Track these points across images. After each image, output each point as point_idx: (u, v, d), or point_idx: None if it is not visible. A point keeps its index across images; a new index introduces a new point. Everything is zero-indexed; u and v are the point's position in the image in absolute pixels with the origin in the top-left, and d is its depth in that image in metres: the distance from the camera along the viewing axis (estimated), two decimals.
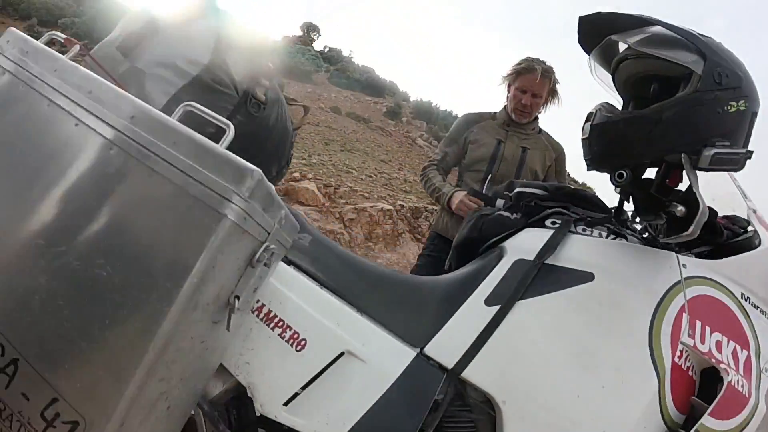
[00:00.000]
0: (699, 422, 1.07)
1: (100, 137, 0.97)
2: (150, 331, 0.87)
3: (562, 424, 1.11)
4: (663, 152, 1.20)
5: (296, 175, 9.70)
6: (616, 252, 1.25)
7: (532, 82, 2.55)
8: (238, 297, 0.99)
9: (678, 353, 1.13)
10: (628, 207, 1.37)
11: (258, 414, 1.15)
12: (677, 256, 1.23)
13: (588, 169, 1.29)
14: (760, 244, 1.30)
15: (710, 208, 1.21)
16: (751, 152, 1.15)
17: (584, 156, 1.29)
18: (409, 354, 1.21)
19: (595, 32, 1.29)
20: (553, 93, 2.63)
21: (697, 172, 1.16)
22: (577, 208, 1.37)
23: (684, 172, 1.19)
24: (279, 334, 1.21)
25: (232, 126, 0.97)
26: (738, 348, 1.18)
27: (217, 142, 0.95)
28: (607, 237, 1.29)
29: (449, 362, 1.18)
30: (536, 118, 2.68)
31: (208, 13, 1.45)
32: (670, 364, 1.12)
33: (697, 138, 1.15)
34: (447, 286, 1.31)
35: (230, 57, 1.39)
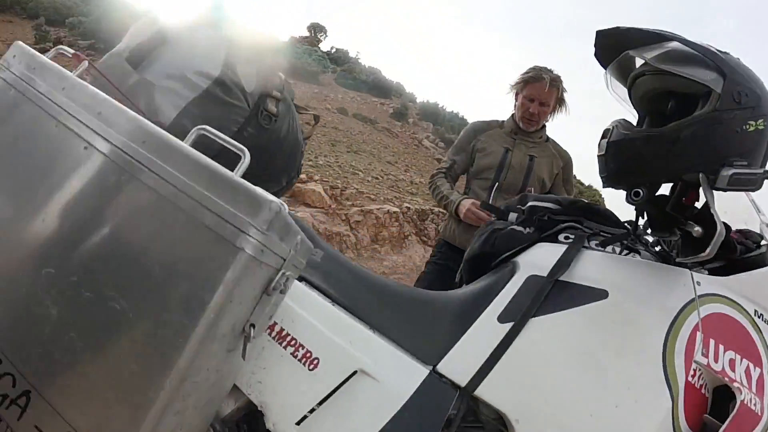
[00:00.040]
0: None
1: (110, 162, 0.94)
2: (166, 367, 0.86)
3: None
4: (681, 171, 1.19)
5: (302, 176, 9.68)
6: (629, 269, 1.24)
7: (540, 91, 2.56)
8: (253, 325, 0.97)
9: (692, 372, 1.12)
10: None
11: None
12: (691, 274, 1.22)
13: (604, 186, 1.28)
14: None
15: (724, 223, 1.19)
16: None
17: (600, 173, 1.27)
18: (422, 372, 1.20)
19: (613, 46, 1.29)
20: (560, 101, 2.64)
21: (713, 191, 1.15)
22: (590, 222, 1.37)
23: (701, 190, 1.19)
24: (291, 353, 1.20)
25: (247, 152, 0.94)
26: (751, 366, 1.17)
27: (232, 167, 0.93)
28: (620, 252, 1.28)
29: (462, 380, 1.17)
30: (543, 126, 2.69)
31: (217, 22, 1.43)
32: (684, 382, 1.11)
33: (715, 157, 1.14)
34: (460, 302, 1.30)
35: (241, 68, 1.38)
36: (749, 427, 1.10)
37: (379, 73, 26.13)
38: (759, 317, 1.23)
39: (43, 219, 0.95)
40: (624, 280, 1.22)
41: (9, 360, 0.89)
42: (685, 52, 1.18)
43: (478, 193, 2.61)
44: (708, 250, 1.11)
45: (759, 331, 1.22)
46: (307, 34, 25.13)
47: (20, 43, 1.15)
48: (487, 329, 1.21)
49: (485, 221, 2.28)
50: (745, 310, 1.23)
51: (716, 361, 1.14)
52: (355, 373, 1.19)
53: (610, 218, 1.40)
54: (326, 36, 25.84)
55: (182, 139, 1.26)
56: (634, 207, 1.30)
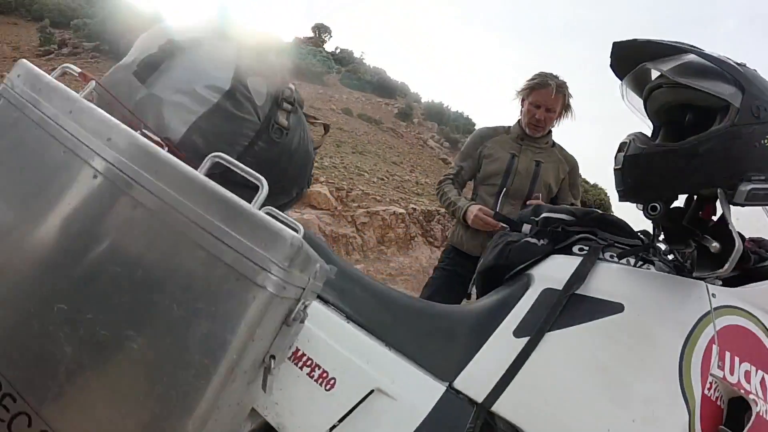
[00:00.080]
0: None
1: (121, 193, 0.90)
2: (189, 409, 0.83)
3: None
4: (698, 186, 1.19)
5: None
6: (645, 282, 1.23)
7: (546, 97, 2.58)
8: (273, 357, 0.95)
9: (708, 385, 1.12)
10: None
11: None
12: (706, 286, 1.22)
13: (620, 200, 1.28)
14: None
15: (738, 233, 1.19)
16: None
17: (616, 187, 1.27)
18: (438, 389, 1.20)
19: (629, 58, 1.29)
20: (566, 107, 2.66)
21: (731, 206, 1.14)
22: (604, 233, 1.36)
23: (717, 203, 1.18)
24: (308, 374, 1.20)
25: (265, 183, 0.91)
26: (766, 377, 1.16)
27: (249, 199, 0.89)
28: (635, 264, 1.27)
29: (479, 396, 1.17)
30: (550, 131, 2.71)
31: (225, 33, 1.41)
32: (700, 396, 1.11)
33: (733, 172, 1.13)
34: (475, 316, 1.30)
35: (251, 81, 1.36)
36: None
37: (383, 73, 26.11)
38: None
39: (54, 252, 0.92)
40: (640, 294, 1.21)
41: (23, 398, 0.87)
42: (703, 65, 1.17)
43: (485, 199, 2.63)
44: (726, 266, 1.11)
45: None
46: (311, 34, 25.12)
47: (25, 61, 1.12)
48: (502, 344, 1.20)
49: (493, 227, 2.37)
50: (760, 321, 1.22)
51: (732, 373, 1.14)
52: (372, 392, 1.18)
53: (623, 228, 1.40)
54: (330, 37, 25.84)
55: (193, 155, 1.23)
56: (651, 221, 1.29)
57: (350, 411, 1.16)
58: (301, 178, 1.56)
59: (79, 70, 1.16)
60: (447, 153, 19.62)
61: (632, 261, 1.27)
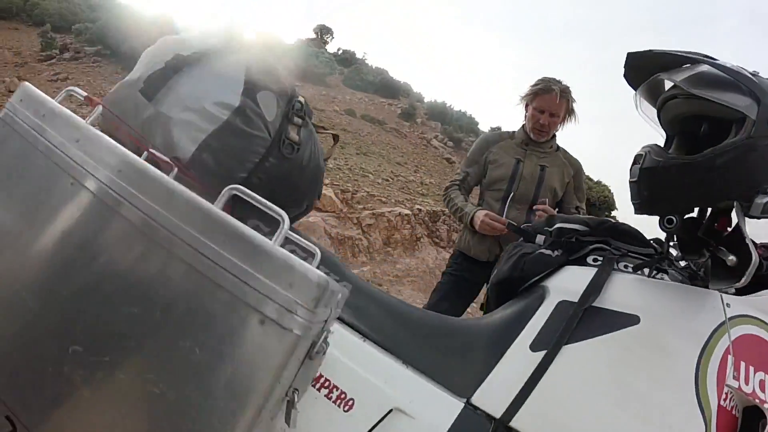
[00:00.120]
0: None
1: (135, 229, 0.87)
2: None
3: None
4: (715, 199, 1.19)
5: None
6: (660, 293, 1.23)
7: (550, 103, 2.60)
8: (297, 390, 0.92)
9: (724, 396, 1.12)
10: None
11: None
12: (721, 296, 1.21)
13: (636, 213, 1.28)
14: None
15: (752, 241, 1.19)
16: None
17: (632, 200, 1.27)
18: (456, 405, 1.19)
19: (642, 68, 1.28)
20: (569, 112, 2.68)
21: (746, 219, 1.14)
22: (617, 243, 1.36)
23: (732, 214, 1.18)
24: (326, 395, 1.19)
25: (286, 217, 0.88)
26: None
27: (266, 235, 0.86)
28: (649, 274, 1.27)
29: (497, 411, 1.16)
30: (554, 136, 2.73)
31: (232, 45, 1.38)
32: (716, 407, 1.11)
33: (749, 185, 1.13)
34: (490, 330, 1.29)
35: (261, 97, 1.33)
36: None
37: (386, 73, 26.14)
38: None
39: (70, 294, 0.87)
40: (655, 305, 1.21)
41: None
42: (717, 76, 1.16)
43: (491, 204, 2.65)
44: (743, 280, 1.11)
45: None
46: (313, 36, 25.09)
47: (27, 85, 1.07)
48: (519, 358, 1.20)
49: (499, 231, 2.41)
50: None
51: (747, 383, 1.14)
52: (390, 411, 1.18)
53: (637, 237, 1.39)
54: (333, 38, 25.84)
55: (203, 174, 1.25)
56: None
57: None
58: (312, 191, 1.54)
59: (85, 93, 1.11)
60: (451, 152, 19.63)
61: (646, 271, 1.27)
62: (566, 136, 2.74)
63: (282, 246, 0.85)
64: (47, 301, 0.88)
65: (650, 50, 1.24)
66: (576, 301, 1.21)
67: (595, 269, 1.26)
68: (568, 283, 1.28)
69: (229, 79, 1.31)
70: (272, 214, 0.88)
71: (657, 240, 1.38)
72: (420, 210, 11.52)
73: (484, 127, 23.17)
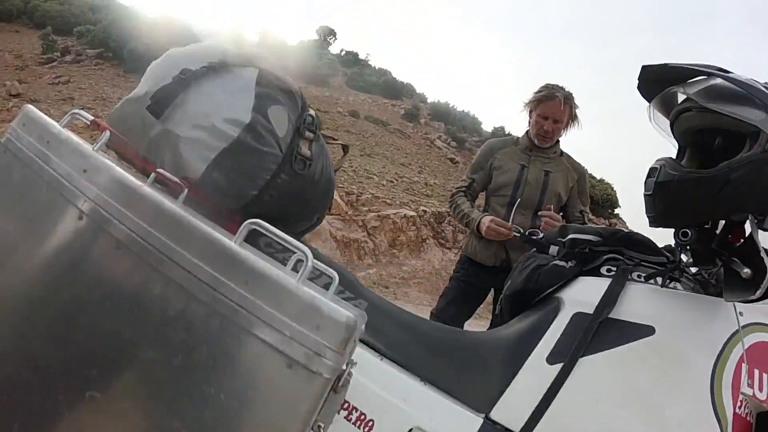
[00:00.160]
0: None
1: (152, 269, 0.81)
2: None
3: None
4: (730, 212, 1.20)
5: None
6: (674, 303, 1.24)
7: (554, 109, 2.65)
8: (321, 426, 0.87)
9: (739, 403, 1.13)
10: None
11: None
12: (734, 304, 1.21)
13: (651, 226, 1.29)
14: None
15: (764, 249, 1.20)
16: None
17: (647, 212, 1.28)
18: (476, 421, 1.20)
19: (656, 81, 1.29)
20: (573, 117, 2.73)
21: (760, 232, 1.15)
22: (631, 252, 1.36)
23: (746, 225, 1.20)
24: (345, 417, 1.18)
25: (309, 254, 0.83)
26: None
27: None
28: (662, 284, 1.27)
29: (515, 426, 1.17)
30: (557, 141, 2.78)
31: (242, 58, 1.34)
32: (732, 414, 1.12)
33: (764, 199, 1.14)
34: (506, 343, 1.30)
35: (272, 112, 1.29)
36: None
37: (389, 74, 26.20)
38: None
39: (88, 339, 0.83)
40: (669, 315, 1.22)
41: None
42: (730, 89, 1.17)
43: (496, 210, 2.69)
44: (759, 293, 1.12)
45: None
46: (316, 37, 25.05)
47: (30, 108, 1.01)
48: (536, 372, 1.21)
49: (505, 236, 2.45)
50: None
51: (761, 390, 1.14)
52: (411, 430, 1.18)
53: (649, 247, 1.40)
54: (335, 39, 25.77)
55: (214, 192, 1.23)
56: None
57: None
58: (323, 204, 1.53)
59: (91, 117, 1.06)
60: (454, 152, 19.62)
61: (659, 280, 1.28)
62: (569, 135, 2.86)
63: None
64: (67, 350, 0.84)
65: (665, 64, 1.25)
66: (591, 312, 1.22)
67: (609, 280, 1.27)
68: (583, 294, 1.28)
69: (239, 93, 1.28)
70: (294, 250, 0.84)
71: (668, 247, 1.39)
72: (425, 211, 11.53)
73: (488, 126, 23.23)
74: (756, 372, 1.15)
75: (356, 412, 1.18)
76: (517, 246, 2.52)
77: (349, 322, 0.80)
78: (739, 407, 1.12)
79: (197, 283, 0.79)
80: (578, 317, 1.24)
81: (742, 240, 1.23)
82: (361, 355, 1.21)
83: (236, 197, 1.28)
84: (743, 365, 1.14)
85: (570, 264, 1.35)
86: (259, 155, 1.26)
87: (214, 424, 0.78)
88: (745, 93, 1.15)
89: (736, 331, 1.17)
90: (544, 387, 1.17)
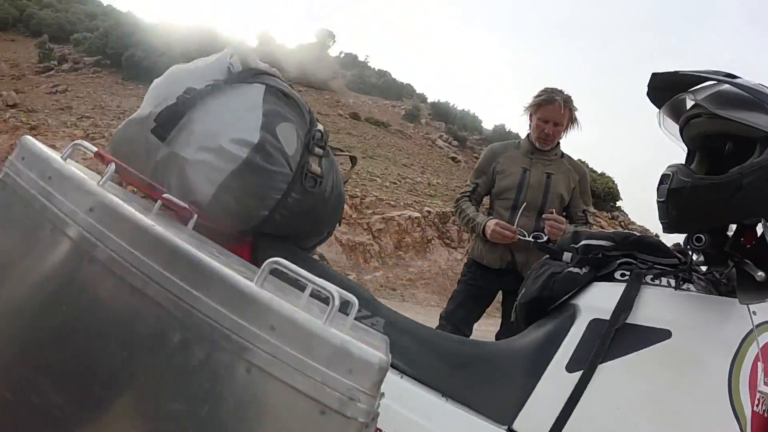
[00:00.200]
0: None
1: (168, 315, 0.77)
2: None
3: None
4: (742, 217, 1.22)
5: None
6: (688, 305, 1.25)
7: (554, 113, 2.70)
8: None
9: (756, 401, 1.14)
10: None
11: None
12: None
13: (664, 232, 1.31)
14: None
15: None
16: None
17: (660, 219, 1.30)
18: None
19: (665, 87, 1.31)
20: (572, 120, 2.80)
21: None
22: (643, 255, 1.38)
23: (758, 228, 1.21)
24: None
25: (336, 295, 0.79)
26: None
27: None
28: (676, 286, 1.28)
29: None
30: (558, 143, 2.84)
31: (248, 74, 1.30)
32: (750, 413, 1.13)
33: None
34: (525, 353, 1.31)
35: (281, 130, 1.26)
36: None
37: (388, 75, 26.25)
38: None
39: (101, 384, 0.79)
40: (685, 318, 1.23)
41: None
42: (739, 95, 1.19)
43: (500, 213, 2.74)
44: None
45: None
46: (315, 40, 25.00)
47: (28, 140, 0.94)
48: (556, 381, 1.22)
49: (510, 239, 2.52)
50: None
51: None
52: None
53: (661, 249, 1.41)
54: (335, 41, 25.72)
55: (223, 215, 1.20)
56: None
57: None
58: (334, 219, 1.52)
59: (95, 148, 1.00)
60: (456, 151, 19.59)
61: (672, 282, 1.29)
62: (570, 134, 2.90)
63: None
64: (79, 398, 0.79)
65: (675, 72, 1.27)
66: (607, 318, 1.24)
67: (623, 284, 1.28)
68: (599, 300, 1.29)
69: (246, 112, 1.24)
70: (323, 292, 0.81)
71: (679, 248, 1.40)
72: (429, 212, 11.51)
73: (488, 125, 23.26)
74: None
75: None
76: (522, 248, 2.59)
77: (382, 363, 0.78)
78: (757, 405, 1.13)
79: (220, 329, 0.76)
80: (595, 323, 1.25)
81: (754, 241, 1.24)
82: None
83: (246, 219, 1.26)
84: (759, 364, 1.15)
85: (584, 270, 1.36)
86: (268, 175, 1.23)
87: None
88: (753, 98, 1.17)
89: (751, 331, 1.18)
90: (565, 396, 1.19)
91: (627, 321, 1.22)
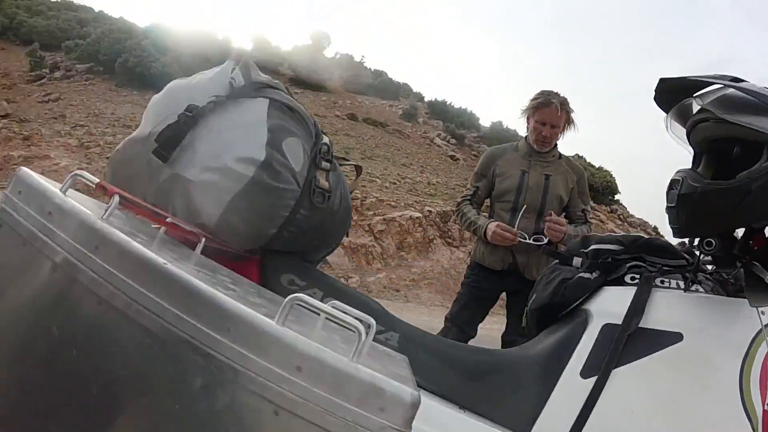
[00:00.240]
0: None
1: (189, 360, 0.74)
2: None
3: None
4: (752, 221, 1.23)
5: None
6: (698, 307, 1.27)
7: (551, 115, 2.77)
8: None
9: (767, 400, 1.15)
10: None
11: None
12: None
13: (675, 236, 1.33)
14: None
15: None
16: None
17: (670, 224, 1.31)
18: None
19: (672, 92, 1.33)
20: (569, 121, 2.86)
21: None
22: (651, 257, 1.39)
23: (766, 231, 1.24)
24: None
25: (362, 330, 0.77)
26: None
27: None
28: (685, 288, 1.30)
29: None
30: (555, 145, 2.90)
31: (250, 91, 1.27)
32: (761, 411, 1.14)
33: None
34: (539, 360, 1.32)
35: (287, 145, 1.23)
36: None
37: (385, 75, 26.28)
38: None
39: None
40: (695, 320, 1.25)
41: None
42: (745, 99, 1.20)
43: (501, 215, 2.81)
44: None
45: None
46: (310, 42, 24.91)
47: (25, 172, 0.90)
48: (572, 387, 1.24)
49: (510, 241, 2.60)
50: None
51: None
52: None
53: (669, 251, 1.43)
54: (330, 43, 25.65)
55: (231, 236, 1.19)
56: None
57: None
58: (342, 231, 1.51)
59: (96, 179, 0.92)
60: (454, 150, 19.54)
61: (681, 284, 1.31)
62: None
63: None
64: None
65: (683, 77, 1.29)
66: (619, 322, 1.25)
67: (634, 288, 1.30)
68: (610, 305, 1.31)
69: (250, 129, 1.21)
70: (347, 327, 0.79)
71: (687, 249, 1.42)
72: (430, 211, 11.47)
73: (485, 122, 23.25)
74: None
75: None
76: (522, 249, 2.66)
77: (414, 399, 0.78)
78: None
79: (244, 373, 0.73)
80: (607, 328, 1.26)
81: (763, 244, 1.26)
82: None
83: (255, 238, 1.24)
84: None
85: (594, 275, 1.38)
86: (276, 194, 1.21)
87: None
88: (759, 102, 1.18)
89: (760, 331, 1.19)
90: (581, 402, 1.20)
91: (640, 325, 1.24)
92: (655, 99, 1.38)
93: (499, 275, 2.75)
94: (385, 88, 24.40)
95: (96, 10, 27.24)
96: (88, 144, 11.74)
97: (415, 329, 1.41)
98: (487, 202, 3.02)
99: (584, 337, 1.28)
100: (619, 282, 1.35)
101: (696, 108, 1.32)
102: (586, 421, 1.18)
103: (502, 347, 2.62)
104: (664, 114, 1.39)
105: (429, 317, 7.06)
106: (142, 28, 21.87)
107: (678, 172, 1.29)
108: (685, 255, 1.42)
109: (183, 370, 0.74)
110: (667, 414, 1.18)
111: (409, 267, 10.40)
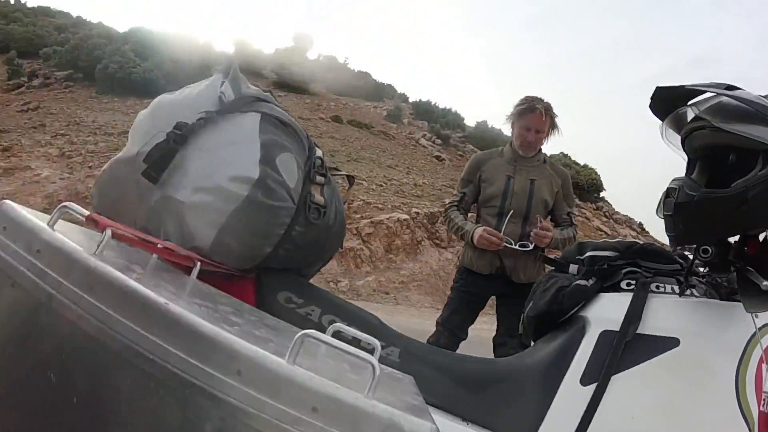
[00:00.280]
0: None
1: (196, 406, 0.72)
2: None
3: None
4: (748, 229, 1.25)
5: None
6: (694, 312, 1.29)
7: (535, 121, 2.81)
8: None
9: (762, 401, 1.17)
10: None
11: None
12: None
13: (671, 245, 1.35)
14: None
15: None
16: None
17: (667, 232, 1.32)
18: None
19: (667, 100, 1.34)
20: (553, 126, 2.91)
21: None
22: (646, 263, 1.41)
23: (760, 237, 1.26)
24: None
25: (377, 363, 0.76)
26: None
27: None
28: (680, 293, 1.32)
29: None
30: (540, 150, 2.95)
31: (240, 105, 1.23)
32: (757, 413, 1.16)
33: None
34: (539, 368, 1.33)
35: (281, 161, 1.20)
36: None
37: (369, 76, 26.22)
38: None
39: None
40: (691, 325, 1.26)
41: None
42: (739, 108, 1.21)
43: (487, 220, 2.85)
44: None
45: None
46: (293, 44, 24.81)
47: (9, 205, 0.84)
48: (572, 395, 1.25)
49: (497, 245, 2.63)
50: None
51: None
52: None
53: (663, 256, 1.44)
54: (312, 45, 25.57)
55: (226, 257, 1.17)
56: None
57: None
58: (336, 245, 1.49)
59: (86, 212, 0.86)
60: (440, 150, 19.54)
61: (676, 288, 1.33)
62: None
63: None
64: None
65: (680, 85, 1.30)
66: (616, 329, 1.27)
67: (630, 294, 1.31)
68: (607, 311, 1.32)
69: (242, 146, 1.17)
70: (357, 360, 0.78)
71: (680, 253, 1.45)
72: (418, 213, 11.47)
73: (470, 121, 23.28)
74: None
75: None
76: (509, 254, 2.69)
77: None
78: (763, 405, 1.16)
79: (257, 416, 0.71)
80: (605, 335, 1.28)
81: (757, 250, 1.28)
82: None
83: (250, 258, 1.22)
84: (763, 365, 1.19)
85: (591, 282, 1.39)
86: (272, 212, 1.19)
87: None
88: (754, 111, 1.19)
89: (754, 334, 1.21)
90: (581, 409, 1.22)
91: (637, 331, 1.25)
92: (650, 107, 1.39)
93: (487, 279, 2.79)
94: (369, 89, 24.38)
95: (74, 16, 26.98)
96: (69, 153, 11.57)
97: (414, 342, 1.40)
98: (475, 207, 3.06)
99: (583, 344, 1.29)
100: (616, 288, 1.37)
101: (691, 116, 1.33)
102: (587, 427, 1.19)
103: (494, 350, 2.72)
104: (660, 122, 1.40)
105: (419, 319, 7.04)
106: (121, 33, 21.65)
107: (674, 180, 1.30)
108: (679, 259, 1.44)
109: (193, 414, 0.72)
110: (666, 418, 1.19)
111: (397, 269, 10.39)
